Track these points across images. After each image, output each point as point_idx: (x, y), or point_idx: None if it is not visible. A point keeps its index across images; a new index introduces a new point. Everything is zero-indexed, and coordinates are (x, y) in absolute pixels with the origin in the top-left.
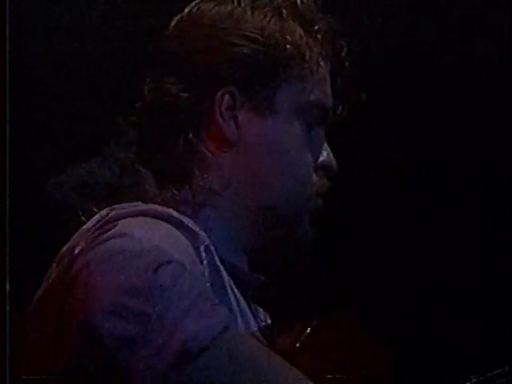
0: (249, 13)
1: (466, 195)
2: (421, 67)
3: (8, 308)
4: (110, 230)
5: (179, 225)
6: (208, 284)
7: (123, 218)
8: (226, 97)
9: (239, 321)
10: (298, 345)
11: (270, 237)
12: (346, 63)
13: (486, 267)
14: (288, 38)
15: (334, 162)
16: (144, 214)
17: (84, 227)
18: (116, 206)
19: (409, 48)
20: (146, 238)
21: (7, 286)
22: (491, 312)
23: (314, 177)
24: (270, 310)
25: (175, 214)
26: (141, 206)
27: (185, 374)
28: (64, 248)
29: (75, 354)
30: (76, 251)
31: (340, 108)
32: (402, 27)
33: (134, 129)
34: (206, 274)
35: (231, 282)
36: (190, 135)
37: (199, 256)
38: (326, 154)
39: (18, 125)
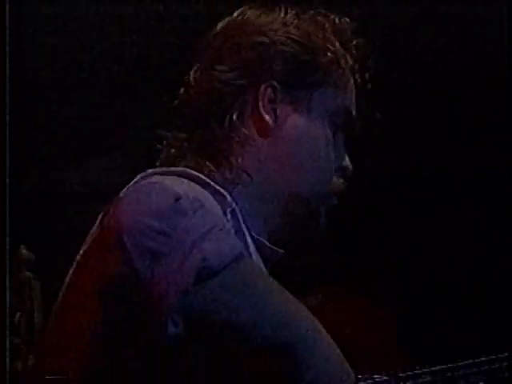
0: (295, 20)
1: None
2: (427, 71)
3: (7, 309)
4: (145, 180)
5: (208, 187)
6: (227, 224)
7: (158, 174)
8: (269, 90)
9: None
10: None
11: (291, 222)
12: (369, 84)
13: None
14: (329, 46)
15: (351, 165)
16: (177, 174)
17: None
18: (151, 169)
19: (419, 56)
20: (174, 185)
21: (7, 285)
22: (492, 295)
23: (334, 176)
24: (285, 281)
25: (206, 178)
26: (174, 167)
27: (201, 292)
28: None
29: (110, 278)
30: (120, 196)
31: (358, 122)
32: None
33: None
34: (232, 233)
35: (255, 250)
36: (235, 117)
37: (225, 217)
38: (345, 159)
39: (18, 124)
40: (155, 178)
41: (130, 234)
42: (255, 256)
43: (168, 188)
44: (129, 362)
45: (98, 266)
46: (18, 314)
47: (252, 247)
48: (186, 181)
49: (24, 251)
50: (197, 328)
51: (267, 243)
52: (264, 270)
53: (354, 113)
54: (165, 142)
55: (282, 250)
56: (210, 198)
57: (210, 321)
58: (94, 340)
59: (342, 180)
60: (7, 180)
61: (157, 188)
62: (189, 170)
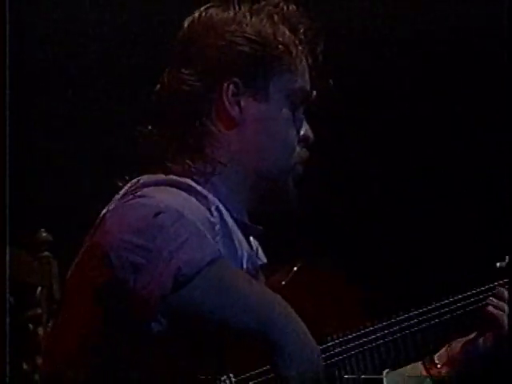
0: (248, 18)
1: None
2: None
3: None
4: (135, 193)
5: (193, 191)
6: (212, 218)
7: (148, 186)
8: (231, 86)
9: (244, 260)
10: (284, 282)
11: (265, 196)
12: (320, 57)
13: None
14: (279, 39)
15: (311, 134)
16: (165, 183)
17: (120, 192)
18: (143, 177)
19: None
20: (159, 198)
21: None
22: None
23: (297, 148)
24: (266, 253)
25: (190, 182)
26: (162, 176)
27: (179, 296)
28: (104, 211)
29: (100, 285)
30: (111, 207)
31: (314, 93)
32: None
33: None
34: (217, 228)
35: (238, 232)
36: (204, 117)
37: (211, 214)
38: (305, 129)
39: (17, 124)
40: (144, 191)
41: (113, 249)
42: (238, 237)
43: (151, 204)
44: (122, 352)
45: (89, 275)
46: (39, 288)
47: (235, 228)
48: (172, 190)
49: (43, 234)
50: (179, 324)
51: (247, 222)
52: (250, 253)
53: (308, 89)
54: (146, 134)
55: (260, 227)
56: (194, 202)
57: (191, 318)
58: (91, 332)
59: (304, 149)
60: (6, 171)
61: (139, 205)
62: (174, 178)
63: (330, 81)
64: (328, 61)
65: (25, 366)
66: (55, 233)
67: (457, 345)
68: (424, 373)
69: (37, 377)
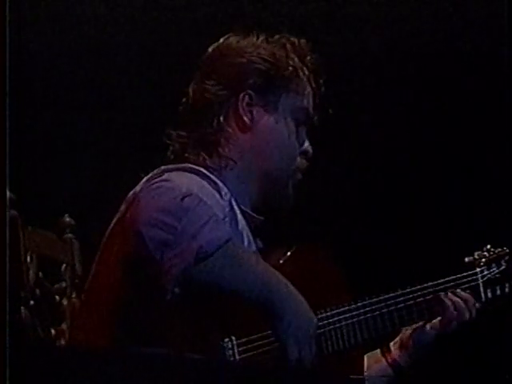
0: (265, 43)
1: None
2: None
3: (7, 301)
4: (159, 177)
5: (206, 177)
6: (223, 202)
7: (169, 171)
8: (246, 97)
9: (245, 241)
10: (281, 261)
11: (267, 193)
12: (322, 88)
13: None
14: (290, 62)
15: (311, 149)
16: (182, 169)
17: (144, 178)
18: (163, 166)
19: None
20: (180, 182)
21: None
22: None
23: (298, 158)
24: (265, 239)
25: (204, 170)
26: (180, 164)
27: (199, 270)
28: (131, 192)
29: (130, 257)
30: (138, 189)
31: (315, 117)
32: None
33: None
34: (227, 210)
35: (242, 219)
36: (221, 119)
37: (221, 197)
38: (306, 144)
39: (18, 125)
40: (166, 176)
41: (146, 226)
42: (242, 223)
43: (176, 188)
44: (141, 315)
45: (121, 246)
46: (64, 265)
47: (240, 216)
48: (189, 175)
49: (67, 219)
50: (195, 292)
51: (251, 212)
52: (250, 237)
53: (311, 110)
54: (173, 136)
55: (262, 217)
56: (208, 186)
57: (207, 288)
58: (117, 296)
59: (304, 160)
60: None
61: (167, 188)
62: (191, 165)
63: (330, 110)
64: (331, 88)
65: (53, 332)
66: (77, 218)
67: (407, 332)
68: (382, 359)
69: (62, 340)
